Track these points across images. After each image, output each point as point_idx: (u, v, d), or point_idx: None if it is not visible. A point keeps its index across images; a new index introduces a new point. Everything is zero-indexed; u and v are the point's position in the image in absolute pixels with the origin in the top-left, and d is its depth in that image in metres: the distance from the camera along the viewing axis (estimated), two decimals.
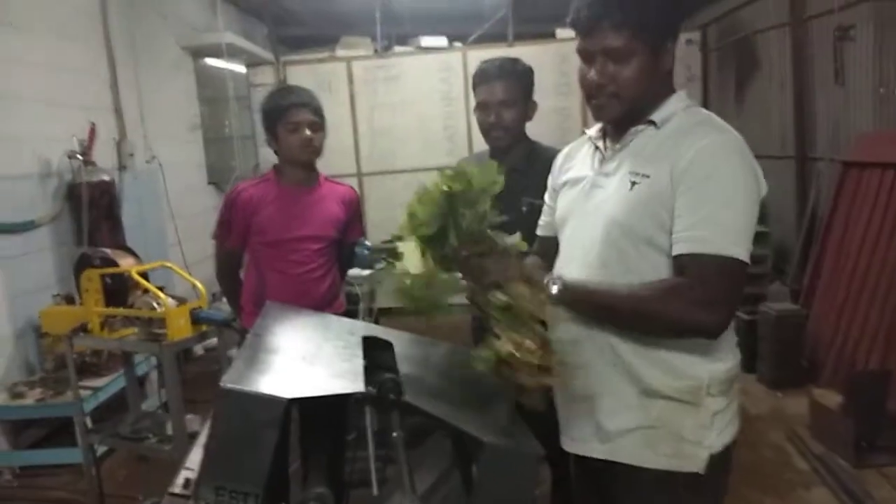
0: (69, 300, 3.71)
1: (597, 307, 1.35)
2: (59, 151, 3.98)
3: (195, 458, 1.11)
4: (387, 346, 1.45)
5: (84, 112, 4.27)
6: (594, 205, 1.41)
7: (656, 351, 1.34)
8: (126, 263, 2.44)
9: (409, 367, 1.33)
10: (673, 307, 1.25)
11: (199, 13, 6.00)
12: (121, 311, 2.38)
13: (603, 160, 1.44)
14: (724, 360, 1.36)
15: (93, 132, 4.22)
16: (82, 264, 2.49)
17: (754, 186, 1.29)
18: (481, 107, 2.20)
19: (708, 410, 1.33)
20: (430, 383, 1.36)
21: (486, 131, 2.21)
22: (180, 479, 1.07)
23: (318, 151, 2.30)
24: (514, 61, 2.22)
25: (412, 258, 2.70)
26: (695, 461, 1.34)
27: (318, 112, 2.29)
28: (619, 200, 1.35)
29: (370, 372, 1.24)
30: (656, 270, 1.32)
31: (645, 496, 1.39)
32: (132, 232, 4.39)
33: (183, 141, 5.75)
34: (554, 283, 1.33)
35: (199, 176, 5.98)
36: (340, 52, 6.32)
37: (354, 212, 2.47)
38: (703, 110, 1.40)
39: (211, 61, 5.92)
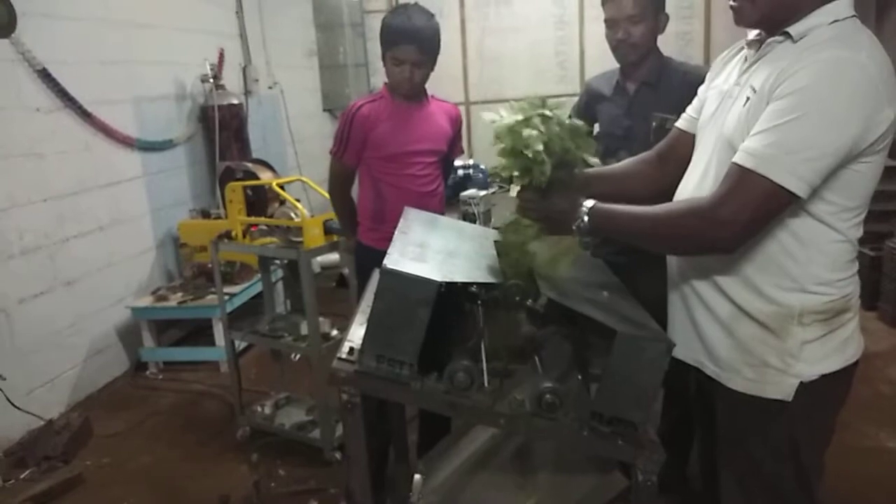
0: (205, 214, 4.03)
1: (619, 230, 1.35)
2: (192, 75, 4.25)
3: (356, 333, 1.25)
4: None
5: (213, 38, 4.51)
6: (721, 119, 1.38)
7: (747, 272, 1.32)
8: (266, 177, 2.63)
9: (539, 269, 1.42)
10: (686, 223, 1.25)
11: None
12: (263, 219, 2.57)
13: (745, 70, 1.38)
14: (823, 292, 1.28)
15: (222, 57, 4.45)
16: (226, 177, 2.69)
17: (858, 118, 1.15)
18: (609, 23, 2.18)
19: (796, 339, 1.29)
20: (556, 282, 1.45)
21: (615, 48, 2.19)
22: (345, 348, 1.21)
23: (418, 87, 2.29)
24: None
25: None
26: (780, 388, 1.31)
27: (426, 47, 2.23)
28: (733, 116, 1.31)
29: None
30: None
31: (736, 415, 1.40)
32: (257, 154, 4.65)
33: (300, 67, 5.95)
34: (583, 214, 1.33)
35: (314, 102, 6.20)
36: None
37: (459, 128, 2.52)
38: (857, 26, 1.24)
39: None
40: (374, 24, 6.28)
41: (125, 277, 3.71)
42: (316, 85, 6.22)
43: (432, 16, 2.27)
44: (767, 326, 1.31)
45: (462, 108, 6.18)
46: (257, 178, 2.61)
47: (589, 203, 1.35)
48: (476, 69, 6.28)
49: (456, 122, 2.47)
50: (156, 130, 3.96)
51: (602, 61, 2.46)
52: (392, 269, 1.12)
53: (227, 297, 3.47)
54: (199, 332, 3.89)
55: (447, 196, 2.65)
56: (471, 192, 2.97)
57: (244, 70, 4.89)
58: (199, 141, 4.33)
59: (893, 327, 3.83)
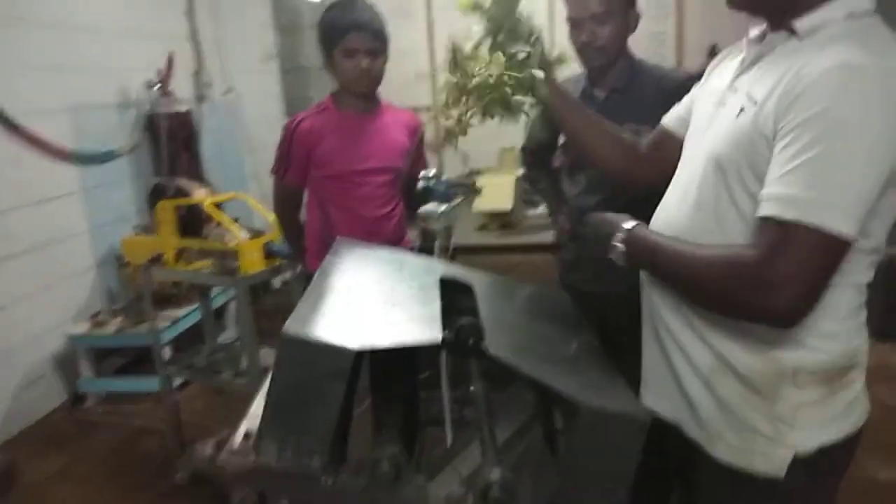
0: (149, 230, 3.74)
1: (655, 266, 1.14)
2: (137, 82, 3.96)
3: (258, 408, 1.01)
4: (466, 288, 1.31)
5: (162, 42, 4.22)
6: (712, 130, 1.14)
7: (741, 322, 1.07)
8: (200, 194, 2.38)
9: (490, 311, 1.19)
10: (729, 285, 0.99)
11: None
12: (193, 242, 2.32)
13: (741, 71, 1.14)
14: (824, 348, 1.05)
15: (171, 62, 4.17)
16: (156, 195, 2.44)
17: (891, 133, 0.93)
18: (572, 23, 1.93)
19: (789, 403, 1.06)
20: (514, 330, 1.22)
21: (579, 51, 1.96)
22: (240, 431, 0.97)
23: (377, 80, 2.08)
24: None
25: (492, 194, 2.55)
26: (770, 460, 1.08)
27: (379, 35, 2.04)
28: (725, 128, 1.08)
29: (448, 315, 1.11)
30: (746, 227, 1.04)
31: (718, 489, 1.17)
32: (211, 164, 4.38)
33: (259, 72, 5.67)
34: (620, 238, 1.15)
35: (275, 108, 5.92)
36: None
37: (420, 140, 2.28)
38: (877, 23, 1.01)
39: None
40: None
41: (62, 301, 3.42)
42: (277, 90, 5.95)
43: (374, 6, 2.07)
44: (754, 385, 1.08)
45: (431, 113, 6.07)
46: (189, 195, 2.36)
47: (629, 224, 1.17)
48: (443, 73, 6.06)
49: (416, 134, 2.23)
50: (96, 141, 3.67)
51: (575, 61, 2.25)
52: (294, 337, 0.88)
53: (169, 323, 3.21)
54: (143, 359, 3.61)
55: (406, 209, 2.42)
56: (429, 207, 2.73)
57: (196, 75, 4.61)
58: (144, 151, 4.04)
59: (879, 340, 3.66)
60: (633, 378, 1.22)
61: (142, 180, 4.02)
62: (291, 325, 0.90)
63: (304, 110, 2.11)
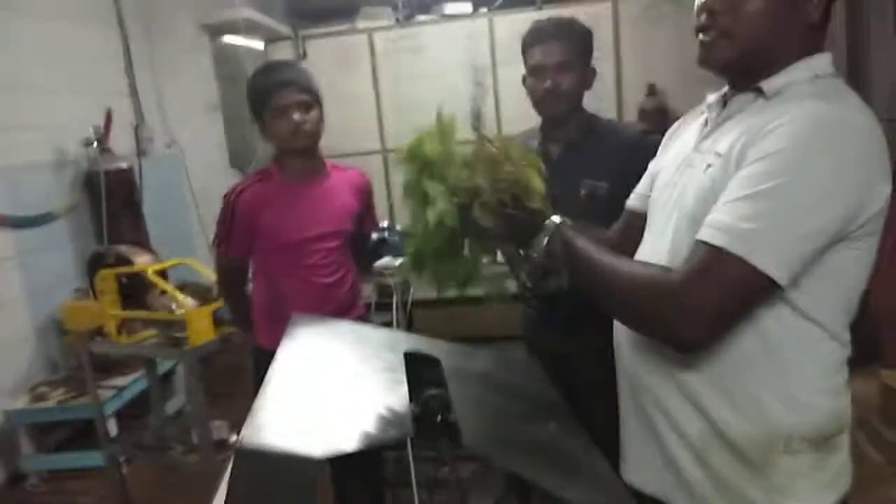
0: (90, 294, 3.58)
1: (575, 268, 1.10)
2: (74, 139, 3.83)
3: None
4: (432, 361, 1.25)
5: (99, 97, 4.11)
6: (679, 188, 1.13)
7: (721, 375, 1.05)
8: (142, 261, 2.28)
9: (456, 386, 1.13)
10: (646, 299, 0.99)
11: None
12: (136, 313, 2.21)
13: (706, 135, 1.14)
14: (815, 403, 1.03)
15: (109, 117, 4.05)
16: (96, 263, 2.32)
17: (850, 189, 0.93)
18: (535, 71, 1.92)
19: (783, 472, 1.04)
20: (482, 409, 1.16)
21: (539, 99, 1.93)
22: None
23: (313, 135, 2.01)
24: (572, 21, 1.95)
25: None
26: None
27: (307, 89, 1.98)
28: (695, 186, 1.08)
29: (414, 391, 1.05)
30: None
31: None
32: (154, 220, 4.24)
33: (202, 123, 5.56)
34: (543, 234, 1.12)
35: (221, 159, 5.80)
36: (361, 24, 6.07)
37: (368, 199, 2.22)
38: (842, 85, 1.04)
39: (228, 39, 5.71)
40: None
41: None
42: (221, 140, 5.85)
43: (300, 65, 2.07)
44: (748, 456, 1.05)
45: (379, 158, 6.04)
46: (131, 262, 2.25)
47: (556, 219, 1.14)
48: (392, 117, 6.05)
49: (364, 193, 2.18)
50: (31, 203, 3.52)
51: (518, 104, 2.24)
52: (252, 449, 0.81)
53: (114, 392, 3.06)
54: (89, 431, 3.40)
55: (359, 262, 2.35)
56: (385, 260, 2.68)
57: (136, 129, 4.49)
58: (84, 211, 3.89)
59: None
60: (607, 446, 1.17)
61: (81, 240, 3.87)
62: (248, 436, 0.83)
63: (246, 175, 2.05)
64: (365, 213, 2.19)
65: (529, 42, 1.96)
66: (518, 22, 5.47)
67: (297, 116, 1.93)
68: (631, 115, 5.44)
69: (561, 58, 1.87)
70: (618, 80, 5.62)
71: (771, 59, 1.05)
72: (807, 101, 0.97)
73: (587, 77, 1.95)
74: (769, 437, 1.04)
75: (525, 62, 1.98)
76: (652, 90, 5.42)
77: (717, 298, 0.94)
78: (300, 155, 2.02)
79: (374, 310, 2.54)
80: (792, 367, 1.03)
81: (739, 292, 0.95)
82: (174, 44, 5.11)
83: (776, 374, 1.03)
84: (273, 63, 1.97)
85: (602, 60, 5.63)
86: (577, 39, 1.91)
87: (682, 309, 0.96)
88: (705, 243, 0.96)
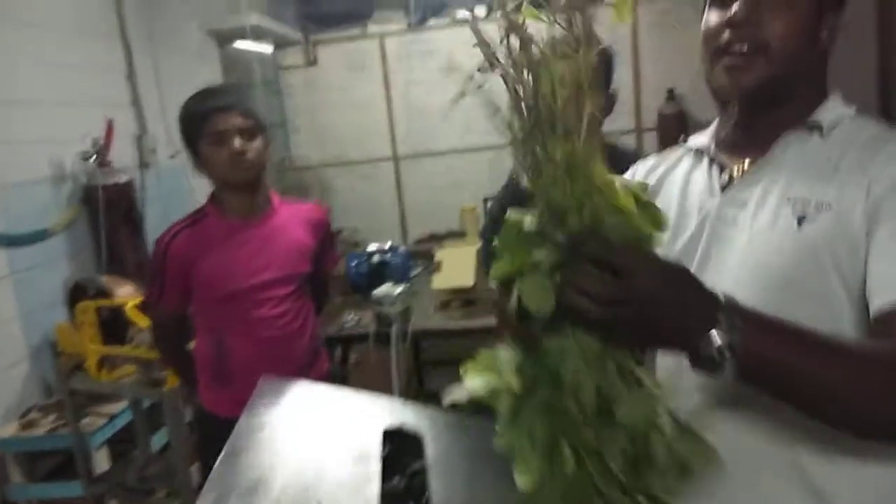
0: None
1: (785, 365, 0.74)
2: (73, 153, 3.73)
3: None
4: (415, 441, 1.10)
5: (100, 109, 4.01)
6: (727, 254, 0.94)
7: (869, 469, 0.85)
8: (124, 293, 2.15)
9: (441, 467, 0.97)
10: (864, 386, 0.73)
11: None
12: (115, 350, 2.09)
13: (730, 182, 0.98)
14: None
15: (110, 130, 3.95)
16: (77, 295, 2.20)
17: None
18: None
19: None
20: (471, 494, 1.01)
21: None
22: None
23: (256, 166, 1.80)
24: None
25: (452, 268, 2.26)
26: None
27: (249, 114, 1.80)
28: (777, 243, 0.89)
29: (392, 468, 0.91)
30: None
31: None
32: (158, 232, 4.12)
33: None
34: (721, 316, 0.72)
35: None
36: (372, 29, 5.95)
37: (326, 235, 2.00)
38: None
39: (236, 45, 5.61)
40: (291, 81, 5.91)
41: None
42: None
43: (241, 89, 1.87)
44: None
45: (390, 164, 5.91)
46: (112, 294, 2.12)
47: (721, 296, 0.76)
48: (403, 122, 5.92)
49: (321, 228, 1.97)
50: (26, 220, 3.42)
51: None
52: None
53: (106, 420, 2.93)
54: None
55: (358, 287, 2.20)
56: (384, 289, 2.54)
57: (139, 140, 4.39)
58: (82, 227, 3.79)
59: None
60: None
61: (80, 257, 3.76)
62: None
63: (181, 218, 1.82)
64: (323, 250, 1.97)
65: None
66: (533, 24, 5.31)
67: (237, 144, 1.74)
68: (650, 121, 5.29)
69: None
70: (636, 85, 5.45)
71: (800, 91, 0.95)
72: (883, 128, 0.92)
73: (608, 101, 1.79)
74: None
75: None
76: (671, 95, 5.25)
77: None
78: (242, 189, 1.82)
79: (374, 341, 2.39)
80: None
81: None
82: (180, 51, 5.01)
83: None
84: (211, 87, 1.79)
85: (620, 65, 5.44)
86: (597, 62, 1.75)
87: None
88: None
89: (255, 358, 1.70)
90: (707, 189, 0.99)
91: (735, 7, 0.91)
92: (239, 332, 1.76)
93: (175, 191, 4.75)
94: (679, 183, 1.05)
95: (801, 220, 0.88)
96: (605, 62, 1.74)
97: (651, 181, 1.12)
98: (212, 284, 1.76)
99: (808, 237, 0.87)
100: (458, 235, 4.51)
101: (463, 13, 5.83)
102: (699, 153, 1.04)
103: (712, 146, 1.02)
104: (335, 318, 2.71)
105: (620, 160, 1.77)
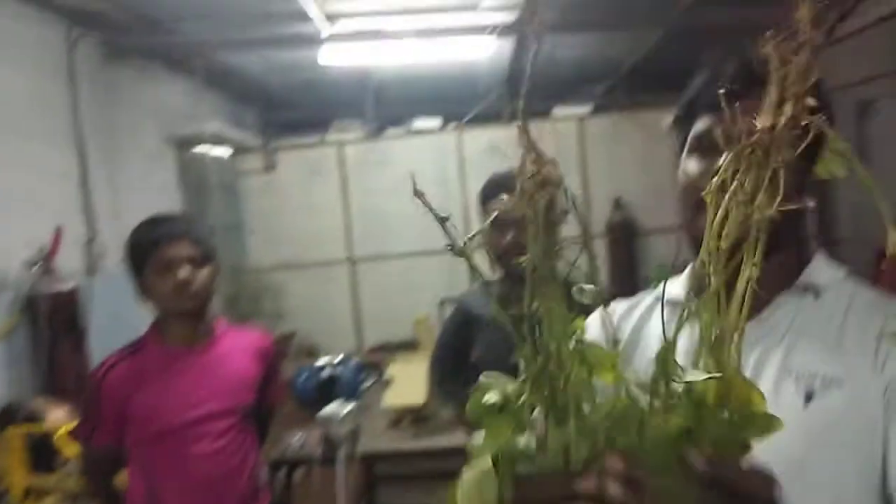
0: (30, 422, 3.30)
1: None
2: (18, 259, 3.64)
3: None
4: None
5: (49, 213, 3.95)
6: None
7: None
8: (55, 418, 2.06)
9: None
10: None
11: (183, 101, 5.78)
12: (41, 481, 1.97)
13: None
14: None
15: (58, 237, 3.88)
16: (5, 419, 2.10)
17: None
18: (497, 223, 1.80)
19: None
20: None
21: (503, 253, 1.82)
22: None
23: (201, 296, 1.73)
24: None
25: (403, 385, 2.16)
26: None
27: (200, 242, 1.75)
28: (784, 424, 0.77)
29: None
30: None
31: None
32: (105, 342, 3.96)
33: None
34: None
35: None
36: (331, 137, 6.10)
37: (272, 364, 1.90)
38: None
39: (195, 149, 5.67)
40: (250, 184, 5.96)
41: None
42: None
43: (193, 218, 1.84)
44: None
45: (346, 266, 5.92)
46: (42, 419, 2.03)
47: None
48: (360, 226, 5.98)
49: (266, 356, 1.89)
50: None
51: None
52: None
53: None
54: None
55: (306, 402, 2.13)
56: (332, 408, 2.47)
57: (88, 246, 4.32)
58: (22, 337, 3.65)
59: None
60: None
61: (18, 370, 3.60)
62: None
63: (119, 348, 1.76)
64: (269, 380, 1.89)
65: (490, 194, 1.86)
66: (486, 137, 5.51)
67: (183, 273, 1.67)
68: (598, 229, 5.42)
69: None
70: (585, 194, 5.63)
71: (784, 241, 0.86)
72: (878, 294, 0.87)
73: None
74: None
75: (484, 214, 1.86)
76: (618, 204, 5.43)
77: None
78: (185, 318, 1.75)
79: (320, 466, 2.30)
80: None
81: None
82: (136, 155, 5.02)
83: None
84: (161, 215, 1.77)
85: (569, 176, 5.63)
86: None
87: None
88: None
89: (190, 501, 1.61)
90: (691, 350, 0.89)
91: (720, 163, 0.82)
92: (172, 472, 1.64)
93: (125, 296, 4.63)
94: (658, 337, 0.89)
95: (808, 397, 0.81)
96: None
97: (626, 331, 1.01)
98: (147, 420, 1.66)
99: (816, 417, 0.79)
100: (411, 346, 4.48)
101: (420, 124, 6.03)
102: (676, 306, 0.91)
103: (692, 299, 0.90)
104: (280, 438, 2.60)
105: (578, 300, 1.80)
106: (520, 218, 1.75)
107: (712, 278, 0.64)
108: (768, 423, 0.63)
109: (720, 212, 0.66)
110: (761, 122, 0.63)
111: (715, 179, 0.68)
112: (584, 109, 5.66)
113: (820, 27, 0.58)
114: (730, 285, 0.66)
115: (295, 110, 7.09)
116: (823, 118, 0.64)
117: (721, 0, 3.99)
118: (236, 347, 1.79)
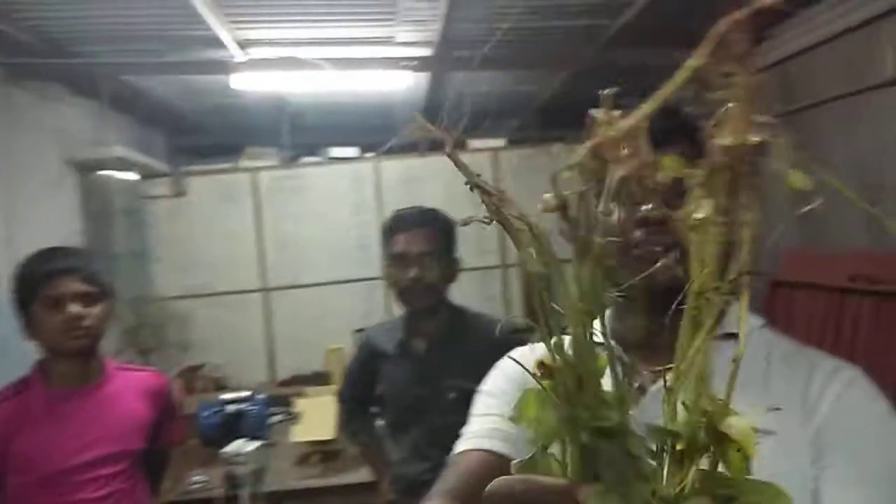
0: None
1: None
2: None
3: None
4: None
5: None
6: None
7: None
8: None
9: None
10: None
11: (87, 125, 5.54)
12: None
13: (642, 391, 0.87)
14: None
15: None
16: None
17: None
18: (398, 259, 1.82)
19: None
20: None
21: (404, 289, 1.84)
22: None
23: (91, 334, 1.66)
24: (435, 211, 1.90)
25: (312, 420, 2.08)
26: None
27: (93, 280, 1.68)
28: None
29: None
30: None
31: None
32: None
33: None
34: None
35: None
36: (245, 163, 5.98)
37: (166, 404, 1.83)
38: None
39: (99, 172, 5.44)
40: (157, 210, 5.77)
41: None
42: None
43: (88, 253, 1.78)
44: None
45: (259, 296, 5.78)
46: None
47: None
48: (273, 254, 5.86)
49: (160, 398, 1.82)
50: None
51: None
52: None
53: None
54: None
55: (209, 440, 2.05)
56: (236, 446, 2.40)
57: None
58: None
59: None
60: None
61: None
62: None
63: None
64: (163, 423, 1.82)
65: (393, 229, 1.88)
66: (402, 167, 5.54)
67: (74, 309, 1.61)
68: (514, 258, 5.49)
69: (425, 247, 1.79)
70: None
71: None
72: (818, 358, 0.89)
73: (452, 268, 1.87)
74: None
75: (386, 250, 1.87)
76: None
77: None
78: (73, 357, 1.68)
79: None
80: None
81: None
82: (35, 179, 4.77)
83: None
84: (53, 248, 1.70)
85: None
86: (441, 229, 1.84)
87: None
88: None
89: None
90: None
91: (646, 207, 0.84)
92: None
93: (11, 330, 4.38)
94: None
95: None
96: (449, 229, 1.83)
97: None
98: (29, 464, 1.57)
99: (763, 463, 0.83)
100: (322, 379, 4.40)
101: (336, 152, 6.01)
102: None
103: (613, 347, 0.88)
104: (181, 477, 2.49)
105: (473, 326, 1.83)
106: (418, 254, 1.77)
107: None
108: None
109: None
110: (724, 143, 0.57)
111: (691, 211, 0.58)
112: (498, 142, 5.78)
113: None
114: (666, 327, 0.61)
115: (206, 135, 6.93)
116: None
117: (628, 42, 4.19)
118: (128, 389, 1.72)
